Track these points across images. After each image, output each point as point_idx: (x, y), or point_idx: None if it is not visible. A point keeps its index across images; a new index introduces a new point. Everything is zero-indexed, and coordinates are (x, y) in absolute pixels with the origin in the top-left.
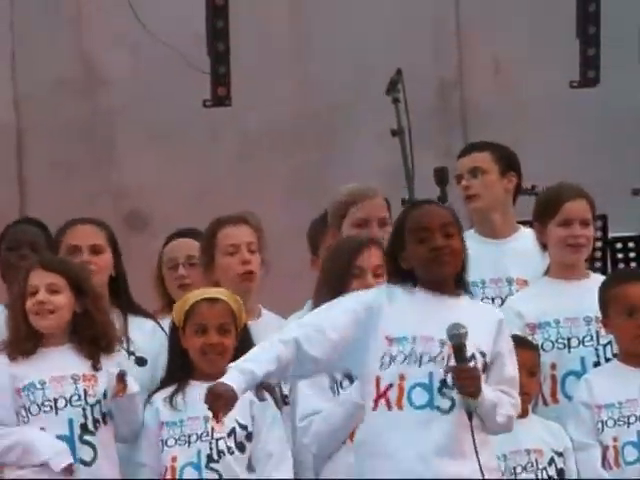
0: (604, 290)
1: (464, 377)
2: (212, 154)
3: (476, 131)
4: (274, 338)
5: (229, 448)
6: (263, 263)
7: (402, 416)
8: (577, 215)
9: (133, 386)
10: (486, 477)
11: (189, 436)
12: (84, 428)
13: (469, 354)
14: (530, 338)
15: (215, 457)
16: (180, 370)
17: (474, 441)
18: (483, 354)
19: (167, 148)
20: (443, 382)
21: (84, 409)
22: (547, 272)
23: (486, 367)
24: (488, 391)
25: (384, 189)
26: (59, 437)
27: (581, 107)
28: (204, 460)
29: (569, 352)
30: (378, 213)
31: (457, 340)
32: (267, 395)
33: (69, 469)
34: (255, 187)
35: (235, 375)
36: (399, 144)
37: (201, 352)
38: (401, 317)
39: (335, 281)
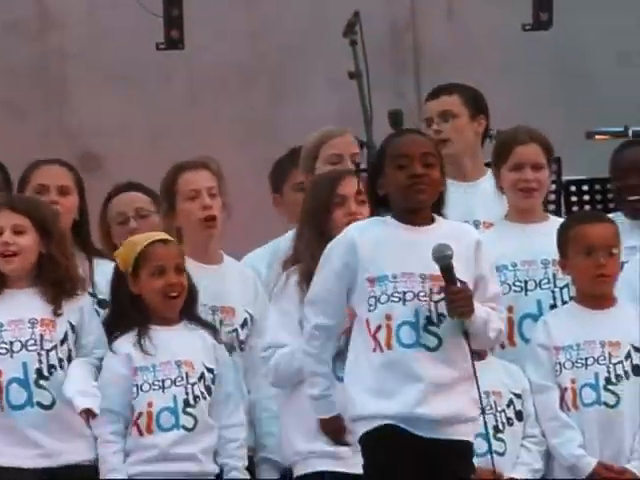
0: (563, 231)
1: (456, 298)
2: (165, 97)
3: (429, 74)
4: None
5: (202, 393)
6: (224, 207)
7: (392, 356)
8: (528, 159)
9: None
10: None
11: (163, 381)
12: (39, 373)
13: None
14: None
15: (191, 402)
16: (136, 315)
17: (475, 372)
18: (463, 283)
19: (120, 91)
20: (428, 319)
21: (39, 354)
22: (506, 216)
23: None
24: (479, 307)
25: None
26: (14, 380)
27: (534, 50)
28: (181, 405)
29: (526, 295)
30: (350, 149)
31: (444, 261)
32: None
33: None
34: (208, 129)
35: (325, 408)
36: (353, 87)
37: (162, 294)
38: (378, 255)
39: (318, 212)
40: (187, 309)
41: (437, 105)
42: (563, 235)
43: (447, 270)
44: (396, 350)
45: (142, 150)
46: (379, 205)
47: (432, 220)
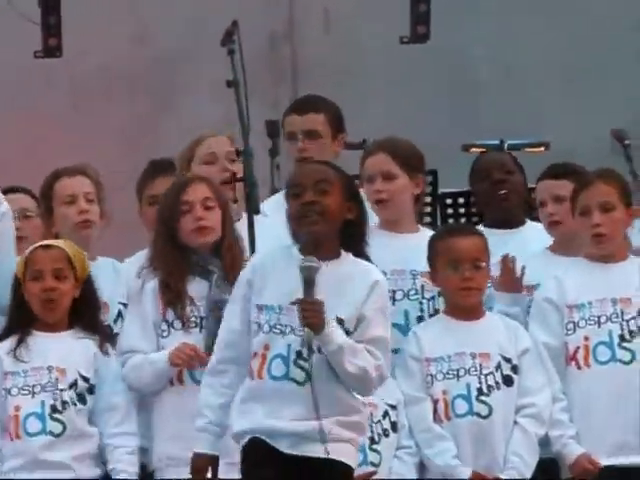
0: (431, 244)
1: (306, 308)
2: (45, 105)
3: (306, 84)
4: (212, 380)
5: (72, 399)
6: (103, 215)
7: (262, 386)
8: (375, 170)
9: None
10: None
11: (33, 386)
12: None
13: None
14: None
15: (59, 407)
16: (21, 321)
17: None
18: (341, 320)
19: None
20: (298, 353)
21: None
22: (378, 225)
23: (348, 333)
24: (338, 335)
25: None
26: None
27: (412, 63)
28: (48, 410)
29: (393, 304)
30: (223, 147)
31: (306, 273)
32: (111, 350)
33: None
34: (89, 138)
35: (205, 441)
36: (234, 95)
37: (38, 298)
38: (270, 285)
39: (167, 219)
40: (80, 319)
41: (304, 122)
42: (432, 248)
43: (306, 282)
44: (266, 381)
45: (23, 159)
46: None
47: (338, 255)
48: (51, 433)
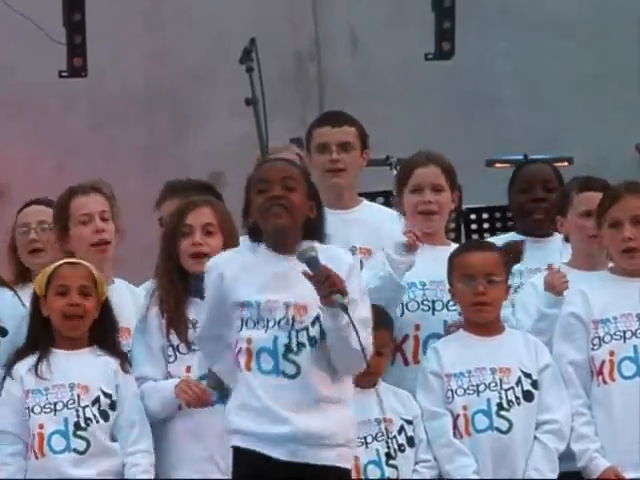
0: (449, 260)
1: (324, 279)
2: (68, 124)
3: (332, 102)
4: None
5: (95, 416)
6: (117, 231)
7: (251, 378)
8: (427, 180)
9: None
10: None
11: (55, 404)
12: None
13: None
14: None
15: (82, 425)
16: (41, 339)
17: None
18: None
19: (23, 119)
20: (287, 346)
21: None
22: None
23: None
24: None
25: (239, 158)
26: None
27: (437, 79)
28: (72, 428)
29: (433, 314)
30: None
31: (307, 254)
32: (130, 369)
33: None
34: (111, 157)
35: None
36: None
37: (62, 314)
38: (245, 281)
39: (169, 240)
40: (100, 335)
41: (339, 135)
42: (449, 263)
43: (309, 262)
44: (255, 374)
45: (46, 177)
46: (252, 234)
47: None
48: (75, 450)
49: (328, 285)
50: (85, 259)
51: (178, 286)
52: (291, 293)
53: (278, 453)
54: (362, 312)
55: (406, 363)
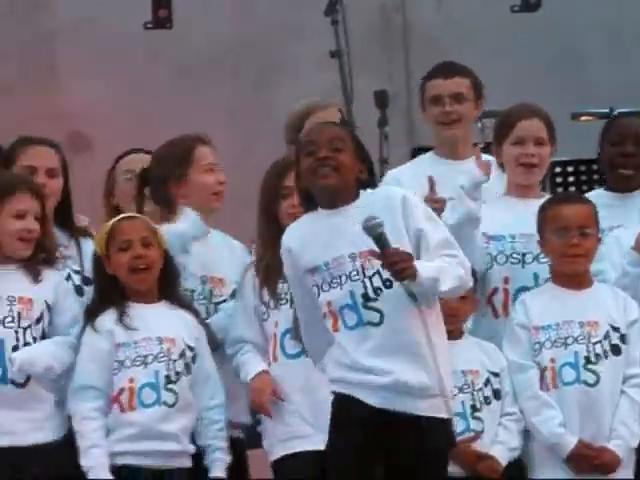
0: (540, 212)
1: (394, 261)
2: (154, 77)
3: (418, 54)
4: None
5: (183, 369)
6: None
7: (342, 337)
8: (530, 133)
9: (40, 363)
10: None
11: (145, 357)
12: (15, 350)
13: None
14: (485, 248)
15: (173, 378)
16: (114, 295)
17: (430, 341)
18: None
19: (108, 71)
20: (364, 296)
21: (16, 332)
22: (505, 193)
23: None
24: (424, 267)
25: None
26: None
27: (523, 31)
28: (162, 381)
29: (523, 267)
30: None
31: (374, 231)
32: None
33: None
34: (196, 111)
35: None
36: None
37: (129, 268)
38: (309, 247)
39: (266, 203)
40: (167, 289)
41: (451, 86)
42: (540, 216)
43: (378, 238)
44: (344, 333)
45: (130, 129)
46: (307, 200)
47: (355, 198)
48: (165, 404)
49: (395, 271)
50: (197, 206)
51: (276, 241)
52: (353, 244)
53: (374, 401)
54: (437, 235)
55: (496, 316)
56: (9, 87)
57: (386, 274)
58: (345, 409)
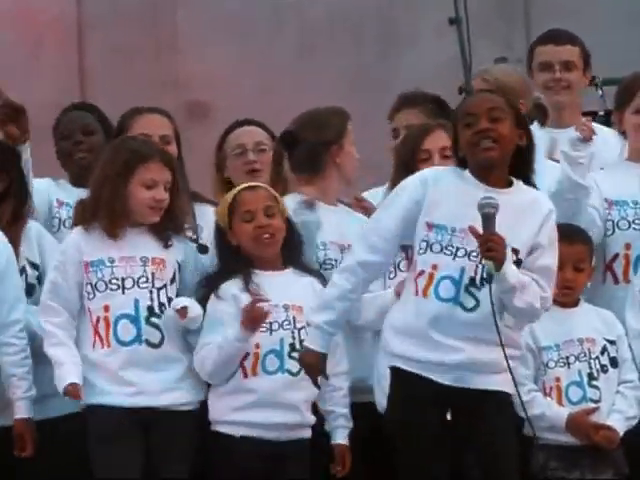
0: None
1: (488, 241)
2: (274, 46)
3: (539, 22)
4: (340, 281)
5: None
6: None
7: (424, 304)
8: None
9: (193, 311)
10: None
11: (271, 324)
12: (151, 310)
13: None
14: (607, 214)
15: (298, 347)
16: (239, 264)
17: (498, 333)
18: (516, 251)
19: (229, 38)
20: (472, 280)
21: (150, 291)
22: (627, 158)
23: (519, 263)
24: (515, 272)
25: (444, 79)
26: (124, 316)
27: None
28: (287, 349)
29: None
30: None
31: (485, 209)
32: None
33: (72, 390)
34: (316, 81)
35: (315, 336)
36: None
37: (254, 238)
38: (444, 205)
39: (405, 165)
40: (291, 256)
41: (563, 53)
42: None
43: (486, 217)
44: (431, 301)
45: (250, 99)
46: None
47: (510, 184)
48: (289, 372)
49: (485, 249)
50: (345, 176)
51: None
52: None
53: (442, 378)
54: (545, 261)
55: (616, 282)
56: (129, 55)
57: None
58: (408, 386)
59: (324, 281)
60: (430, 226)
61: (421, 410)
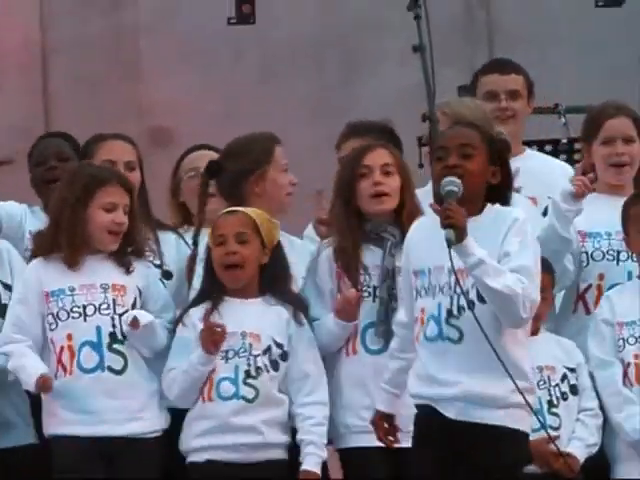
0: (624, 209)
1: (449, 210)
2: (236, 72)
3: (502, 49)
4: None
5: (265, 365)
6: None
7: (420, 349)
8: (618, 132)
9: (144, 318)
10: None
11: (227, 351)
12: (113, 337)
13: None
14: (580, 246)
15: (253, 373)
16: (213, 288)
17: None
18: None
19: (191, 65)
20: (449, 312)
21: (112, 318)
22: (596, 190)
23: None
24: (478, 249)
25: (407, 106)
26: (87, 343)
27: (606, 27)
28: (242, 376)
29: (617, 265)
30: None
31: (446, 187)
32: (304, 319)
33: (43, 381)
34: (278, 106)
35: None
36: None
37: (221, 264)
38: (418, 249)
39: (344, 184)
40: (270, 283)
41: (507, 82)
42: (624, 213)
43: (447, 195)
44: (422, 343)
45: (213, 125)
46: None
47: (481, 210)
48: (244, 398)
49: (444, 218)
50: (272, 205)
51: (355, 230)
52: (457, 258)
53: (448, 412)
54: (518, 261)
55: (587, 312)
56: (93, 81)
57: (473, 294)
58: (422, 419)
59: (305, 310)
60: (415, 273)
61: (427, 446)
